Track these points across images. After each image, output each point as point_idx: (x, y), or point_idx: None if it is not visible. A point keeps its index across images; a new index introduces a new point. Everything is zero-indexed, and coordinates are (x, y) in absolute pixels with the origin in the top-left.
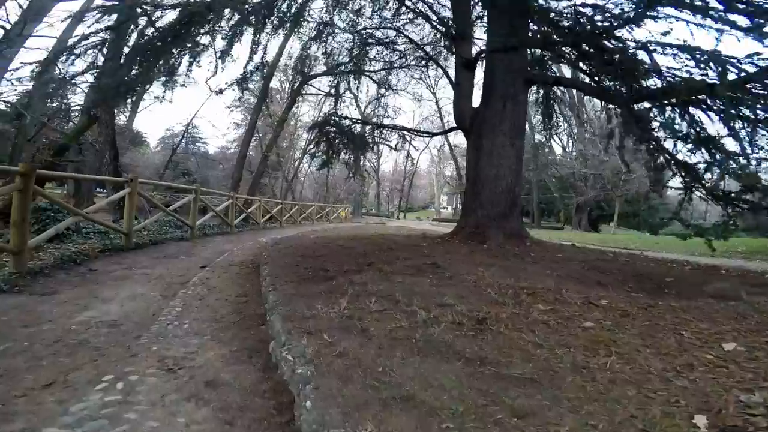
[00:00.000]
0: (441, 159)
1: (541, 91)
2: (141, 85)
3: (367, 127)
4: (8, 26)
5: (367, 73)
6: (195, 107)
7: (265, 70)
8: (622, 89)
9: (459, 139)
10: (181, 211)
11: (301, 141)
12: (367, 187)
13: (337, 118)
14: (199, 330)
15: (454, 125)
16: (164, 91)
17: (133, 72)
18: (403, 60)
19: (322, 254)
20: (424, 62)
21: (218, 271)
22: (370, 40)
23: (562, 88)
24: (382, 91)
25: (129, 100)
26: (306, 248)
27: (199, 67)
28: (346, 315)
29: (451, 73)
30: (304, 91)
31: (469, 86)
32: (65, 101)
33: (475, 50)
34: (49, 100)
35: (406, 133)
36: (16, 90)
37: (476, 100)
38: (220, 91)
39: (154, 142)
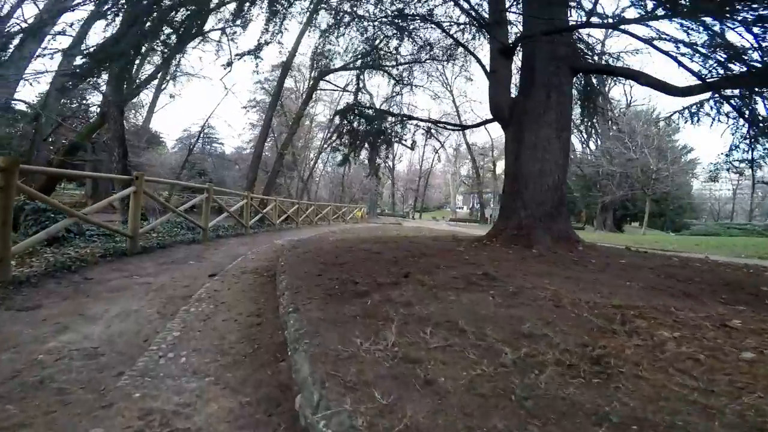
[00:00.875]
0: (457, 158)
1: (582, 82)
2: (136, 47)
3: (390, 120)
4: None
5: (387, 68)
6: (212, 109)
7: (279, 38)
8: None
9: (476, 137)
10: (194, 211)
11: (316, 141)
12: (382, 187)
13: (360, 108)
14: (200, 367)
15: (485, 118)
16: (163, 67)
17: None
18: (427, 50)
19: (347, 261)
20: (449, 53)
21: (229, 281)
22: (391, 30)
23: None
24: (398, 88)
25: (126, 69)
26: (327, 253)
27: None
28: (399, 355)
29: (485, 61)
30: (320, 87)
31: (506, 74)
32: (84, 101)
33: (510, 37)
34: (65, 100)
35: (432, 126)
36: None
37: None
38: (229, 64)
39: (172, 142)
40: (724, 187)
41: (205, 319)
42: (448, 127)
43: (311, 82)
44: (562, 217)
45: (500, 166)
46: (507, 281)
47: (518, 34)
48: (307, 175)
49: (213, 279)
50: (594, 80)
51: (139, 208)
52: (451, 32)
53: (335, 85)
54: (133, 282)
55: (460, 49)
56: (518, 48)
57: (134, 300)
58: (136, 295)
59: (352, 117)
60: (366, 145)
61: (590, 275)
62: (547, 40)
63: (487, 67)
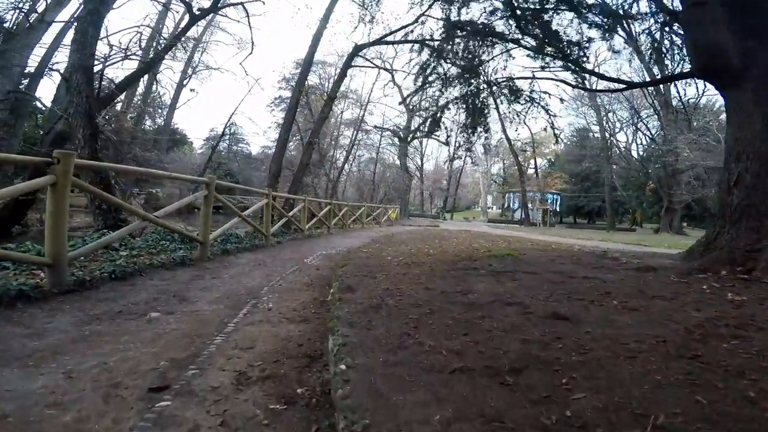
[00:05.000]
0: (488, 156)
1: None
2: None
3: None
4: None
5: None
6: (236, 105)
7: None
8: None
9: (511, 132)
10: (193, 215)
11: (344, 139)
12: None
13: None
14: None
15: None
16: None
17: None
18: None
19: (521, 356)
20: None
21: None
22: None
23: None
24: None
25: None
26: (428, 310)
27: None
28: None
29: None
30: (354, 64)
31: (720, 9)
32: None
33: None
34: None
35: (544, 94)
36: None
37: None
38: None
39: (200, 142)
40: None
41: None
42: (600, 86)
43: (347, 50)
44: None
45: (539, 162)
46: None
47: None
48: (337, 174)
49: (150, 418)
50: None
51: (64, 214)
52: None
53: (371, 63)
54: None
55: None
56: None
57: None
58: None
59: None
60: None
61: None
62: None
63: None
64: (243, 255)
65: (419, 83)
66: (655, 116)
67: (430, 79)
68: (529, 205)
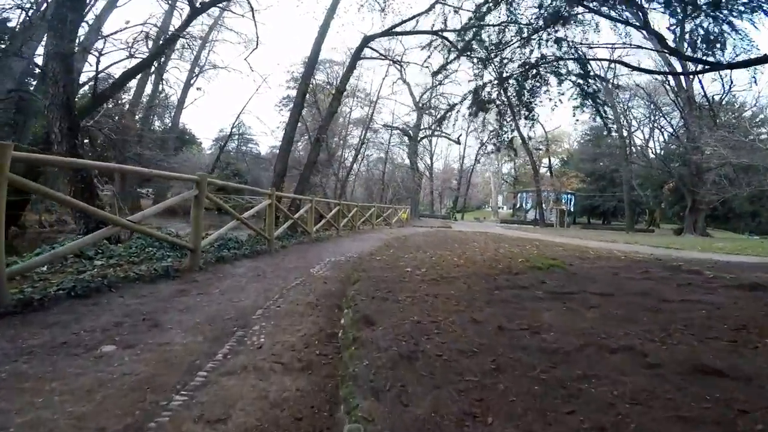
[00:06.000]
0: (499, 156)
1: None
2: None
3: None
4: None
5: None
6: (244, 104)
7: None
8: None
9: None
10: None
11: (352, 138)
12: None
13: None
14: None
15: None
16: None
17: None
18: None
19: None
20: None
21: None
22: None
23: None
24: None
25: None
26: (468, 342)
27: None
28: None
29: None
30: (363, 56)
31: None
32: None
33: None
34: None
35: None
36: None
37: None
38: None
39: (209, 143)
40: None
41: None
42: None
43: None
44: None
45: (554, 161)
46: None
47: None
48: (345, 173)
49: None
50: None
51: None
52: None
53: (382, 55)
54: None
55: None
56: None
57: None
58: None
59: None
60: None
61: None
62: None
63: None
64: (241, 263)
65: (455, 54)
66: (675, 113)
67: (474, 46)
68: (543, 205)
